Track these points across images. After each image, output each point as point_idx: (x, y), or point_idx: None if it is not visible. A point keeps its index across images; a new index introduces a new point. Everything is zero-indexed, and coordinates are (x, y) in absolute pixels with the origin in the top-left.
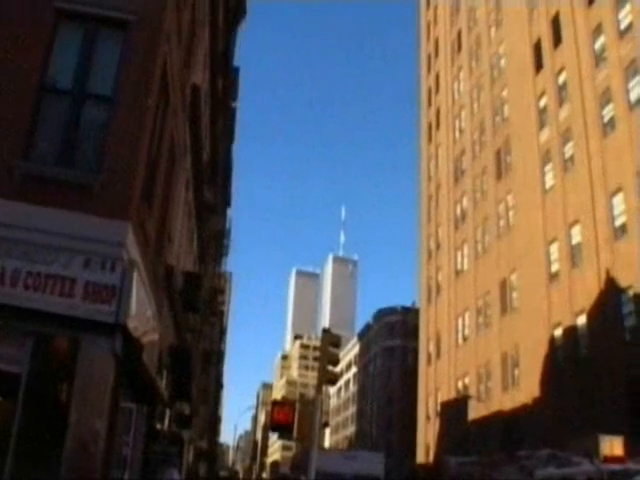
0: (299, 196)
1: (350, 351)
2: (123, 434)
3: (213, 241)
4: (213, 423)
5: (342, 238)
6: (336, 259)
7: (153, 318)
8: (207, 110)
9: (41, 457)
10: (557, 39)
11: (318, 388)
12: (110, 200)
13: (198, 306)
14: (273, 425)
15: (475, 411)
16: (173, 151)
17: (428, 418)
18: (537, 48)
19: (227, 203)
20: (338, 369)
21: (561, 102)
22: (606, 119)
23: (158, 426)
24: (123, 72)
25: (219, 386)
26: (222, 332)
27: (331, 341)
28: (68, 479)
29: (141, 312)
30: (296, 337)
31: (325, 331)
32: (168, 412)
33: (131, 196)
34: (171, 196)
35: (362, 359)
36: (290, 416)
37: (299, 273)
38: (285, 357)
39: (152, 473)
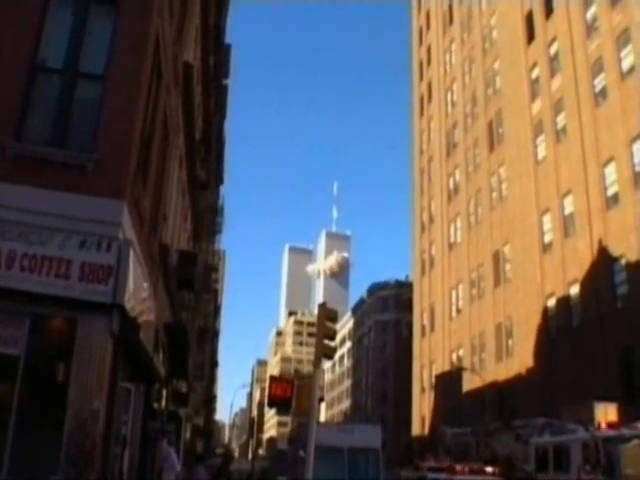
0: (291, 172)
1: (344, 326)
2: (122, 413)
3: (206, 219)
4: (209, 400)
5: (335, 214)
6: (329, 235)
7: (149, 297)
8: (199, 87)
9: (41, 437)
10: (549, 10)
11: (316, 362)
12: (104, 179)
13: (193, 284)
14: (271, 401)
15: (470, 382)
16: (166, 128)
17: (423, 390)
18: (529, 19)
19: (220, 180)
20: (333, 344)
21: (553, 73)
22: (598, 89)
23: (155, 405)
24: (115, 49)
25: (214, 363)
26: (216, 310)
27: (327, 315)
28: (69, 457)
29: (137, 291)
30: (290, 313)
31: (321, 305)
32: (165, 390)
33: (125, 175)
34: (165, 174)
35: (356, 333)
36: (288, 391)
37: (292, 249)
38: (279, 333)
39: (150, 450)
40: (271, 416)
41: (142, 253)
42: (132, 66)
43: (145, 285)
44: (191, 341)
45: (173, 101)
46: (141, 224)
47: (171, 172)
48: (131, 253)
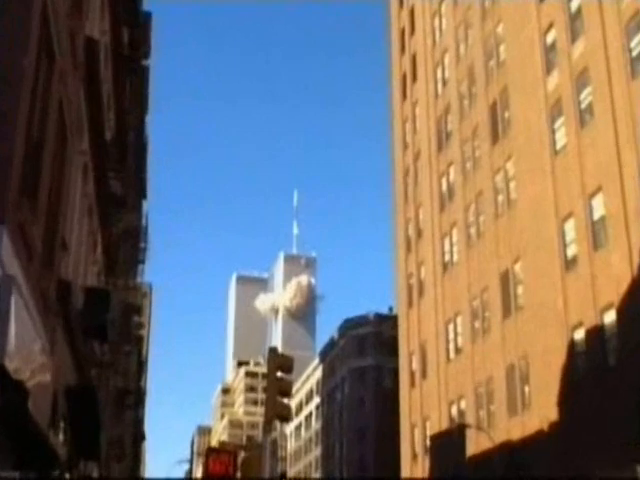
0: (237, 180)
1: (311, 376)
2: None
3: (125, 246)
4: None
5: (295, 230)
6: (288, 258)
7: (42, 352)
8: (109, 71)
9: None
10: None
11: (267, 427)
12: None
13: (106, 332)
14: None
15: (475, 444)
16: (64, 128)
17: (415, 456)
18: None
19: (142, 195)
20: (297, 400)
21: (574, 36)
22: (635, 53)
23: None
24: None
25: (139, 436)
26: (141, 364)
27: (280, 364)
28: None
29: (24, 346)
30: (240, 364)
31: (272, 351)
32: (68, 478)
33: (5, 192)
34: (63, 189)
35: (326, 386)
36: (230, 467)
37: (241, 279)
38: (226, 390)
39: None
40: None
41: (31, 293)
42: (11, 45)
43: (36, 336)
44: (104, 409)
45: (72, 90)
46: (29, 256)
47: (72, 185)
48: (14, 294)
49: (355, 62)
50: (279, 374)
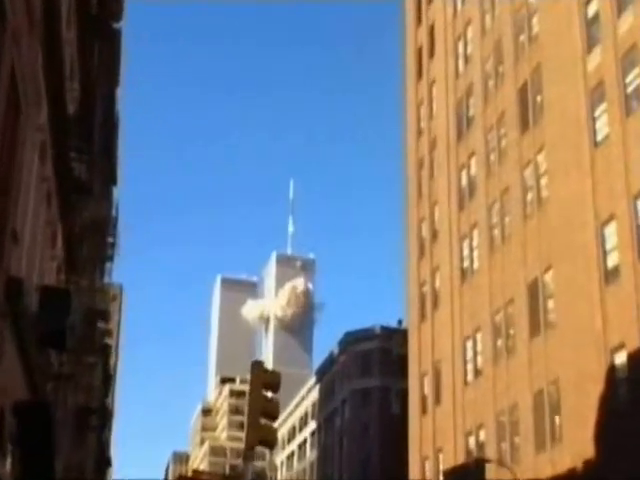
0: (224, 168)
1: (305, 398)
2: None
3: (90, 239)
4: None
5: (290, 227)
6: (282, 259)
7: None
8: (73, 34)
9: None
10: None
11: (247, 454)
12: None
13: (64, 339)
14: None
15: None
16: (16, 99)
17: None
18: None
19: (112, 181)
20: (289, 426)
21: (621, 7)
22: None
23: None
24: None
25: (104, 462)
26: (108, 378)
27: (266, 381)
28: None
29: None
30: (223, 380)
31: (256, 365)
32: None
33: None
34: (15, 171)
35: (324, 409)
36: None
37: (227, 282)
38: (207, 412)
39: None
40: None
41: None
42: None
43: None
44: (62, 429)
45: (28, 55)
46: None
47: (26, 168)
48: None
49: (365, 36)
50: (264, 392)
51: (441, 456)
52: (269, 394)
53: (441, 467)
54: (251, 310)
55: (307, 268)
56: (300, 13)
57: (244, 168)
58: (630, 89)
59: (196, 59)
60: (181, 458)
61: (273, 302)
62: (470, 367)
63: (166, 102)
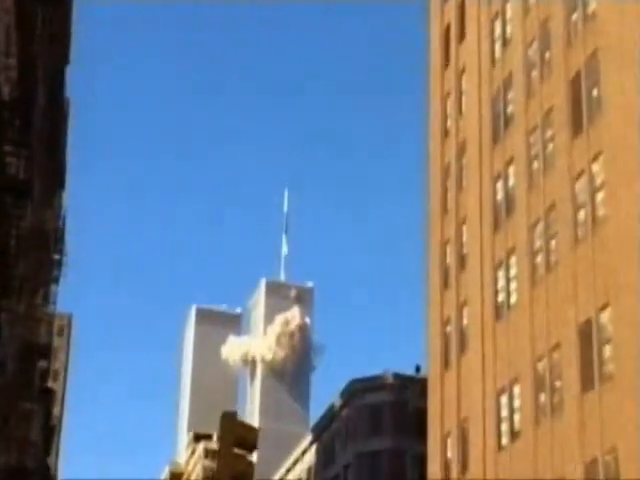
0: (201, 172)
1: (299, 461)
2: None
3: (30, 254)
4: None
5: (284, 248)
6: (273, 287)
7: None
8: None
9: None
10: None
11: None
12: None
13: None
14: None
15: None
16: None
17: None
18: None
19: (58, 183)
20: None
21: None
22: None
23: None
24: None
25: None
26: (50, 431)
27: (240, 437)
28: None
29: None
30: (197, 437)
31: (227, 418)
32: None
33: None
34: None
35: (322, 475)
36: None
37: (203, 314)
38: (177, 476)
39: None
40: None
41: None
42: None
43: None
44: None
45: None
46: None
47: None
48: None
49: (378, 16)
50: (237, 452)
51: None
52: (243, 453)
53: None
54: (233, 349)
55: (303, 299)
56: (297, 12)
57: (230, 174)
58: None
59: (176, 32)
60: None
61: (260, 340)
62: (505, 428)
63: (136, 87)
